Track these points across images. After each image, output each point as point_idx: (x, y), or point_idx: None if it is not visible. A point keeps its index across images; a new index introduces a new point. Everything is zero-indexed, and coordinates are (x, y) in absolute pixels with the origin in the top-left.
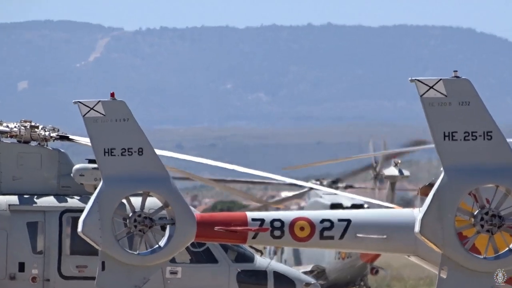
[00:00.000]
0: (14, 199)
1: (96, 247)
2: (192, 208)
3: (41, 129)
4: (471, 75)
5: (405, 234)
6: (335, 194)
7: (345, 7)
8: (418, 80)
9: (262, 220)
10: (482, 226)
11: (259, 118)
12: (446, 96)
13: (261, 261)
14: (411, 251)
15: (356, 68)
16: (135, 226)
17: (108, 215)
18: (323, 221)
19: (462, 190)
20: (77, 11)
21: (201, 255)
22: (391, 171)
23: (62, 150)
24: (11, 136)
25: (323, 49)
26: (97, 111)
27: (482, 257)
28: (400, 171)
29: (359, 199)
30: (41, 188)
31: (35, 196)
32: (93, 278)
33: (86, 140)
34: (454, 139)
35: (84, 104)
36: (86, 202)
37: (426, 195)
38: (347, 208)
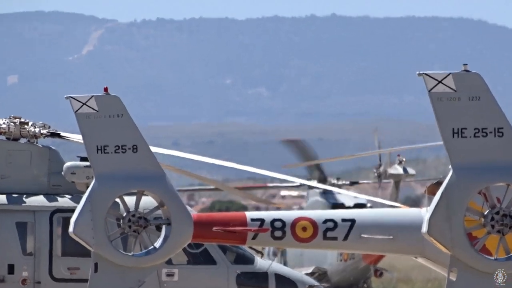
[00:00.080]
0: (2, 198)
1: (89, 248)
2: (189, 208)
3: (31, 125)
4: (481, 69)
5: (412, 235)
6: (339, 193)
7: None
8: (426, 74)
9: (262, 220)
10: (492, 226)
11: (259, 114)
12: (455, 91)
13: (262, 262)
14: (419, 252)
15: (360, 62)
16: (129, 227)
17: (101, 215)
18: (326, 221)
19: (471, 188)
20: (70, 2)
21: (198, 257)
22: (395, 169)
23: (53, 148)
24: (0, 133)
25: (326, 42)
26: (90, 107)
27: (493, 258)
28: (405, 169)
29: (362, 198)
30: (31, 187)
31: (25, 195)
32: (85, 281)
33: (78, 137)
34: (464, 136)
35: (76, 99)
36: (78, 202)
37: (434, 194)
38: (349, 207)
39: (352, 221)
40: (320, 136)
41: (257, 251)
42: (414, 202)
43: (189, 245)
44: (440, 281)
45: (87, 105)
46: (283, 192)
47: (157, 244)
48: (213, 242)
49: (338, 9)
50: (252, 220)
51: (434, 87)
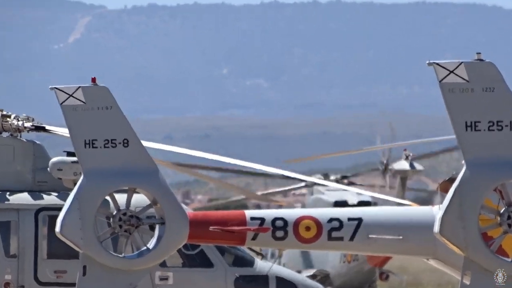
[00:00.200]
0: None
1: (77, 249)
2: (184, 206)
3: (14, 118)
4: (496, 58)
5: (423, 235)
6: (344, 190)
7: None
8: (436, 64)
9: (262, 219)
10: (509, 225)
11: (258, 106)
12: (468, 81)
13: (262, 265)
14: (430, 254)
15: (366, 50)
16: (120, 226)
17: (89, 213)
18: (331, 220)
19: (486, 185)
20: None
21: (194, 259)
22: (402, 164)
23: (37, 142)
24: None
25: (330, 29)
26: (77, 98)
27: (510, 259)
28: (412, 165)
29: (368, 195)
30: (14, 183)
31: (8, 193)
32: (73, 285)
33: (64, 131)
34: (477, 129)
35: (61, 91)
36: (64, 199)
37: (446, 191)
38: (353, 205)
39: (359, 220)
40: (324, 129)
41: (257, 253)
42: (425, 199)
43: (185, 246)
44: (453, 285)
45: (73, 97)
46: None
47: (150, 245)
48: (210, 242)
49: None
50: (252, 219)
51: (445, 77)
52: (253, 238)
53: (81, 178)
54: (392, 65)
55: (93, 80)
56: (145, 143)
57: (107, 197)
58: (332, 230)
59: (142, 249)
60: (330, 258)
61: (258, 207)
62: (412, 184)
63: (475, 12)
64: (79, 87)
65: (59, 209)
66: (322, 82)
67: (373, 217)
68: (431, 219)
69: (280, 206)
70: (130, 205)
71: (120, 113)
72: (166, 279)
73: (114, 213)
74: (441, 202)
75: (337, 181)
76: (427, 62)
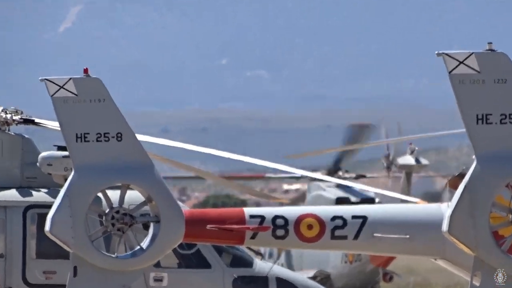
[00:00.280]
0: None
1: (67, 249)
2: (180, 203)
3: (2, 111)
4: (508, 48)
5: (431, 234)
6: (349, 186)
7: None
8: (446, 54)
9: (262, 217)
10: None
11: (259, 99)
12: (479, 72)
13: (262, 265)
14: (438, 254)
15: (371, 41)
16: (113, 225)
17: (81, 211)
18: (334, 218)
19: (498, 181)
20: None
21: (190, 259)
22: (407, 159)
23: (26, 136)
24: None
25: (334, 19)
26: (68, 90)
27: None
28: (417, 160)
29: (372, 191)
30: (2, 180)
31: None
32: (63, 286)
33: (54, 124)
34: (489, 122)
35: (52, 82)
36: (54, 196)
37: (456, 187)
38: (356, 203)
39: (364, 218)
40: (328, 123)
41: (257, 253)
42: (434, 196)
43: (180, 246)
44: (463, 286)
45: (64, 89)
46: (286, 186)
47: (144, 244)
48: (207, 242)
49: None
50: (251, 217)
51: (455, 68)
52: (253, 237)
53: (72, 173)
54: (398, 56)
55: (85, 71)
56: (139, 137)
57: (99, 194)
58: (336, 229)
59: (136, 248)
60: (331, 258)
61: (257, 204)
62: (419, 180)
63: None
64: (71, 78)
65: (48, 206)
66: (326, 74)
67: (379, 215)
68: (439, 217)
69: (281, 204)
70: (123, 203)
71: (114, 106)
72: (161, 280)
73: (107, 211)
74: (450, 199)
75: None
76: (436, 52)
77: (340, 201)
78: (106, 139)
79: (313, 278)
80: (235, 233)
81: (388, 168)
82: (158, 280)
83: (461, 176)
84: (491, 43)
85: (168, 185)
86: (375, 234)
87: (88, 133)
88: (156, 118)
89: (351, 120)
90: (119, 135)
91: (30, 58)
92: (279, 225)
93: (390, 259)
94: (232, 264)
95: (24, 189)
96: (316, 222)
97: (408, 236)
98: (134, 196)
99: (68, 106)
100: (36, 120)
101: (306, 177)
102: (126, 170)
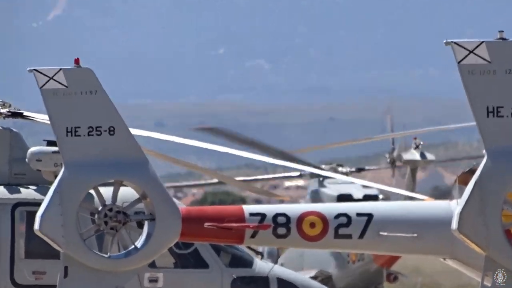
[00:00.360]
0: None
1: (57, 248)
2: (176, 201)
3: None
4: None
5: (439, 232)
6: (351, 182)
7: None
8: (455, 43)
9: (262, 215)
10: None
11: (259, 90)
12: (489, 62)
13: (262, 265)
14: (447, 253)
15: (377, 30)
16: (106, 223)
17: (72, 209)
18: (338, 215)
19: (510, 177)
20: None
21: (187, 259)
22: (411, 154)
23: (14, 130)
24: None
25: (338, 7)
26: (58, 82)
27: None
28: (423, 155)
29: (375, 188)
30: None
31: None
32: (53, 287)
33: (44, 117)
34: (500, 115)
35: (41, 73)
36: (44, 194)
37: (466, 184)
38: (358, 200)
39: (369, 215)
40: (331, 115)
41: (257, 252)
42: (443, 193)
43: (176, 245)
44: (473, 287)
45: (54, 80)
46: (287, 183)
47: (139, 243)
48: (205, 241)
49: None
50: (251, 215)
51: (464, 58)
52: (253, 236)
53: (63, 169)
54: (405, 45)
55: (76, 61)
56: (133, 131)
57: (91, 191)
58: (340, 227)
59: (130, 248)
60: (333, 257)
61: (257, 202)
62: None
63: None
64: (61, 69)
65: (38, 204)
66: (329, 64)
67: (385, 212)
68: (448, 214)
69: (282, 201)
70: (116, 200)
71: (106, 98)
72: (156, 281)
73: (99, 209)
74: (460, 196)
75: (345, 173)
76: (445, 41)
77: (342, 198)
78: (98, 133)
79: (314, 278)
80: (234, 232)
81: (393, 163)
82: (153, 281)
83: (471, 172)
84: (502, 31)
85: (163, 182)
86: (381, 233)
87: (79, 127)
88: (151, 111)
89: (355, 113)
90: (112, 128)
91: (18, 47)
92: (281, 223)
93: (394, 258)
94: (231, 264)
95: (12, 186)
96: (319, 220)
97: (416, 235)
98: (127, 193)
99: (58, 98)
100: (25, 113)
101: (308, 173)
102: (119, 165)
